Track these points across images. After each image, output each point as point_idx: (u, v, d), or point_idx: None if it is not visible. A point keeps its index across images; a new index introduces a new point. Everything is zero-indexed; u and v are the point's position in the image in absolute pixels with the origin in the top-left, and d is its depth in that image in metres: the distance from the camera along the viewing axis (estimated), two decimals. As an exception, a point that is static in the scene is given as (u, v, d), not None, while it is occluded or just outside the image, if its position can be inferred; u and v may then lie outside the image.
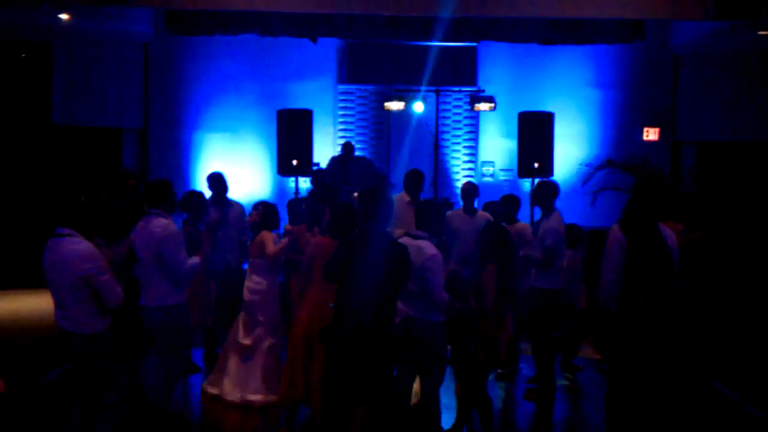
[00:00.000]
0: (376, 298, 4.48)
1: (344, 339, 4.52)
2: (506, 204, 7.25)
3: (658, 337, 4.66)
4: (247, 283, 6.31)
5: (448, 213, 7.72)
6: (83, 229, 4.54)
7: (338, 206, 5.50)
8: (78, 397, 4.75)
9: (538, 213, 7.19)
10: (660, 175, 10.81)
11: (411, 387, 5.31)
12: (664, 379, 4.71)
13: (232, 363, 6.22)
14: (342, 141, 11.22)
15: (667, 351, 4.68)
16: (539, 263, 6.50)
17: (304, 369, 5.65)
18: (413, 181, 7.59)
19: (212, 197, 7.65)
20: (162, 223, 5.23)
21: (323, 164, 10.68)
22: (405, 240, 5.12)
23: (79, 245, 4.45)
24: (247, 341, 6.18)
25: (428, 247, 5.03)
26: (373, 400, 4.64)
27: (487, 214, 7.31)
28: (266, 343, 6.16)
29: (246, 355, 6.19)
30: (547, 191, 6.70)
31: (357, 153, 11.24)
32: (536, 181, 10.88)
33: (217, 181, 7.73)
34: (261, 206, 6.35)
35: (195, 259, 5.41)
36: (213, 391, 6.25)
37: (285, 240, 6.32)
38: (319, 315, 5.46)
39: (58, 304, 4.55)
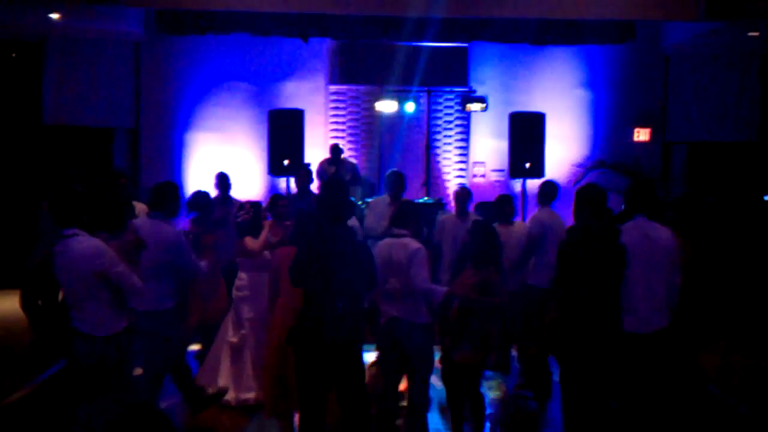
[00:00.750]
0: (342, 296, 4.51)
1: (312, 340, 4.55)
2: (503, 204, 7.31)
3: (589, 335, 4.83)
4: (236, 282, 6.41)
5: (441, 217, 7.78)
6: (87, 227, 4.57)
7: (300, 216, 5.58)
8: (82, 400, 4.72)
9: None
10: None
11: (397, 387, 5.33)
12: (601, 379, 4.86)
13: (224, 363, 6.27)
14: (333, 141, 11.22)
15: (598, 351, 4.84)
16: (521, 258, 6.85)
17: (282, 375, 5.56)
18: (394, 182, 7.65)
19: (217, 196, 8.09)
20: (167, 230, 5.36)
21: (313, 165, 10.65)
22: (387, 240, 5.15)
23: (87, 242, 4.48)
24: (234, 339, 6.26)
25: (412, 242, 5.08)
26: (346, 401, 4.67)
27: (478, 217, 7.33)
28: (253, 340, 6.19)
29: (235, 353, 6.24)
30: (546, 190, 7.10)
31: (347, 154, 11.25)
32: (527, 181, 10.97)
33: (223, 180, 8.29)
34: (249, 205, 6.42)
35: (204, 263, 5.63)
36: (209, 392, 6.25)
37: (264, 234, 6.29)
38: (291, 322, 5.27)
39: (73, 306, 4.56)
